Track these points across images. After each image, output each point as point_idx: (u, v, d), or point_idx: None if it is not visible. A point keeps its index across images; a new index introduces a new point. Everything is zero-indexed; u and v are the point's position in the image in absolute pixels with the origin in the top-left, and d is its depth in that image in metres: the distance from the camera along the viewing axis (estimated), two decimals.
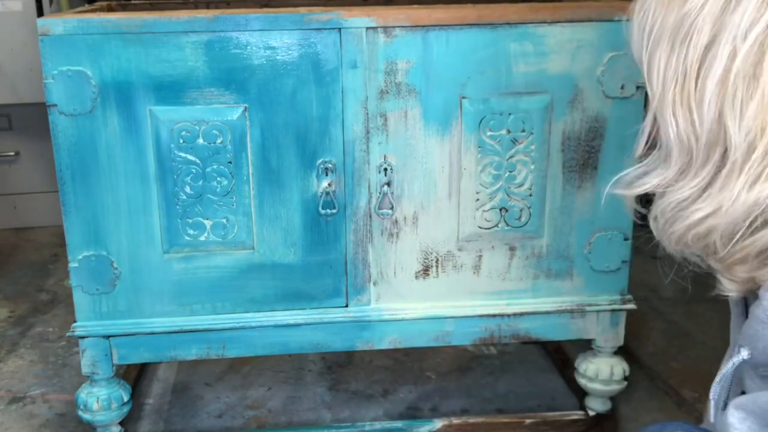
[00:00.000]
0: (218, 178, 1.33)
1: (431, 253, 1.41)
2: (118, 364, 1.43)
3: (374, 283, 1.42)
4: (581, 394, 1.63)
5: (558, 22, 1.31)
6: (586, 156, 1.38)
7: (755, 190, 0.66)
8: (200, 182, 1.32)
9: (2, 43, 2.55)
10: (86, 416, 1.44)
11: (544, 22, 1.31)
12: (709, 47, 0.66)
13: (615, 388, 1.55)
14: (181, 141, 1.30)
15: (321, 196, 1.36)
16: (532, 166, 1.37)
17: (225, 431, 1.70)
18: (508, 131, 1.35)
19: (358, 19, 1.28)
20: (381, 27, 1.28)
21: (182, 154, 1.31)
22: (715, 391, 0.77)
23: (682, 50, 0.69)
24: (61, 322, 2.17)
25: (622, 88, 1.35)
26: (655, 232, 0.76)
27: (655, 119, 0.76)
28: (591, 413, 1.59)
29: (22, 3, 2.53)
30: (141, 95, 1.28)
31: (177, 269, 1.37)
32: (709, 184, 0.70)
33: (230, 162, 1.32)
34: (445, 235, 1.40)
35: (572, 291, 1.44)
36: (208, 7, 1.80)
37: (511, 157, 1.36)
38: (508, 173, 1.38)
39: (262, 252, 1.38)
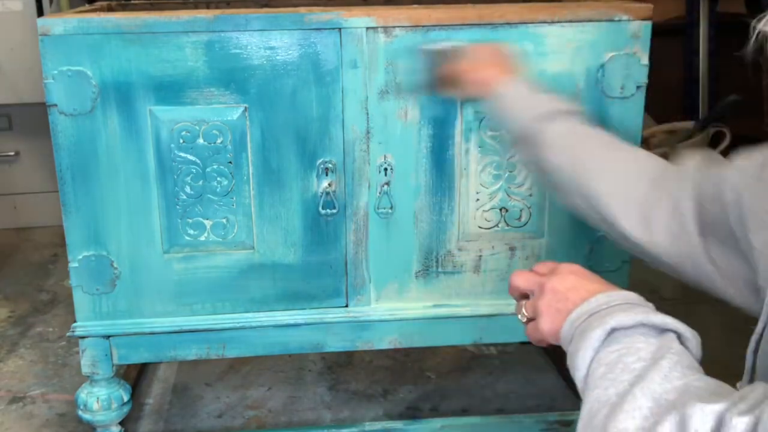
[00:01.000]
0: (218, 178, 1.33)
1: (431, 253, 1.41)
2: (118, 364, 1.43)
3: (374, 283, 1.42)
4: None
5: (558, 22, 1.31)
6: None
7: None
8: (200, 182, 1.32)
9: (2, 43, 2.55)
10: (86, 416, 1.44)
11: (544, 22, 1.31)
12: None
13: None
14: (181, 141, 1.30)
15: (321, 196, 1.36)
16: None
17: (225, 431, 1.70)
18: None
19: (358, 19, 1.28)
20: (381, 27, 1.28)
21: (182, 154, 1.31)
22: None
23: None
24: (61, 322, 2.17)
25: (622, 88, 1.35)
26: None
27: None
28: None
29: (22, 3, 2.53)
30: (141, 95, 1.28)
31: (177, 269, 1.37)
32: None
33: (230, 162, 1.32)
34: (445, 235, 1.40)
35: None
36: (208, 7, 1.80)
37: (511, 157, 1.36)
38: (508, 173, 1.38)
39: (262, 252, 1.38)
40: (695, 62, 3.19)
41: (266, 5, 1.77)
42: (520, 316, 0.86)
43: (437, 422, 1.60)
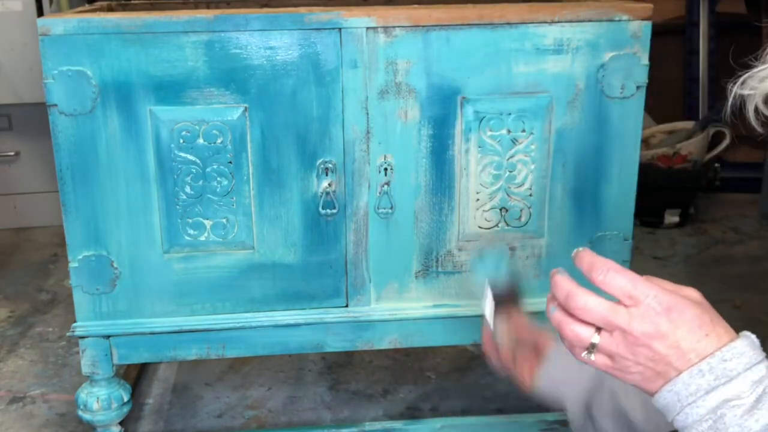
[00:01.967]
0: (218, 178, 1.33)
1: (431, 253, 1.41)
2: (118, 364, 1.43)
3: (374, 283, 1.42)
4: None
5: (558, 22, 1.31)
6: (586, 156, 1.38)
7: None
8: (200, 182, 1.32)
9: (2, 43, 2.55)
10: (86, 416, 1.44)
11: (544, 22, 1.31)
12: None
13: None
14: (181, 141, 1.30)
15: (321, 196, 1.36)
16: (532, 166, 1.37)
17: (225, 431, 1.70)
18: (508, 131, 1.35)
19: (358, 19, 1.28)
20: (381, 27, 1.28)
21: (182, 154, 1.31)
22: None
23: None
24: (61, 322, 2.17)
25: (622, 88, 1.35)
26: None
27: None
28: None
29: (22, 3, 2.53)
30: (141, 95, 1.28)
31: (177, 269, 1.37)
32: None
33: (230, 162, 1.32)
34: (445, 235, 1.40)
35: None
36: (208, 7, 1.80)
37: (511, 157, 1.36)
38: (508, 173, 1.38)
39: (262, 252, 1.38)
40: (695, 62, 3.19)
41: (266, 5, 1.77)
42: (585, 355, 0.70)
43: (437, 422, 1.60)
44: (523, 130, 1.35)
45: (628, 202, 1.41)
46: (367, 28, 1.28)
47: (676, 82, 3.27)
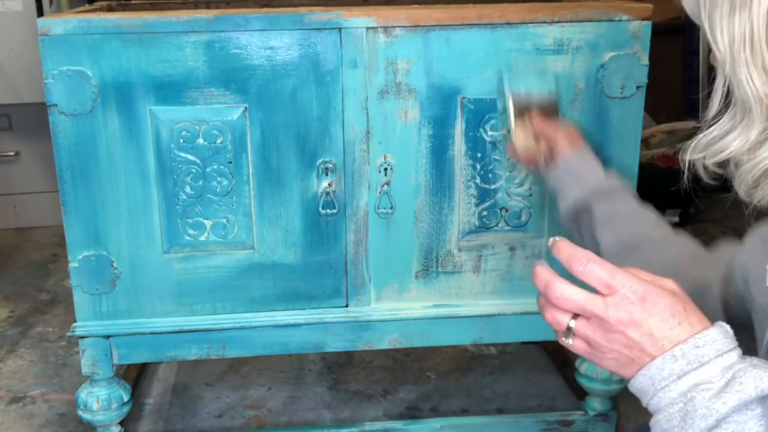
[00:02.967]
0: (218, 178, 1.33)
1: (431, 253, 1.41)
2: (118, 364, 1.43)
3: (374, 283, 1.42)
4: (581, 394, 1.63)
5: (558, 22, 1.31)
6: None
7: None
8: (200, 182, 1.32)
9: (2, 43, 2.55)
10: (86, 416, 1.44)
11: (544, 22, 1.31)
12: None
13: (615, 388, 1.55)
14: (181, 141, 1.30)
15: (321, 196, 1.36)
16: (533, 166, 1.37)
17: (225, 431, 1.70)
18: (508, 131, 1.35)
19: (358, 19, 1.28)
20: (381, 27, 1.28)
21: (182, 154, 1.31)
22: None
23: (743, 13, 0.68)
24: (61, 322, 2.17)
25: (622, 88, 1.35)
26: (740, 193, 0.75)
27: (725, 80, 0.74)
28: (591, 413, 1.59)
29: (22, 3, 2.53)
30: (141, 95, 1.28)
31: (177, 269, 1.37)
32: None
33: (230, 162, 1.32)
34: (445, 235, 1.40)
35: None
36: (208, 7, 1.80)
37: (511, 157, 1.36)
38: (508, 173, 1.38)
39: (262, 252, 1.38)
40: (695, 62, 3.19)
41: (266, 5, 1.77)
42: (564, 339, 0.74)
43: (437, 422, 1.60)
44: None
45: None
46: (367, 28, 1.28)
47: (676, 82, 3.27)
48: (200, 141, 1.31)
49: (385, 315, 1.43)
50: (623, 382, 1.55)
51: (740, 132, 0.73)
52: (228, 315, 1.40)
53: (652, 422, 0.69)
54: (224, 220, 1.35)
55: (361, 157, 1.34)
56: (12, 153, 2.79)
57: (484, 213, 1.39)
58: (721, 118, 0.76)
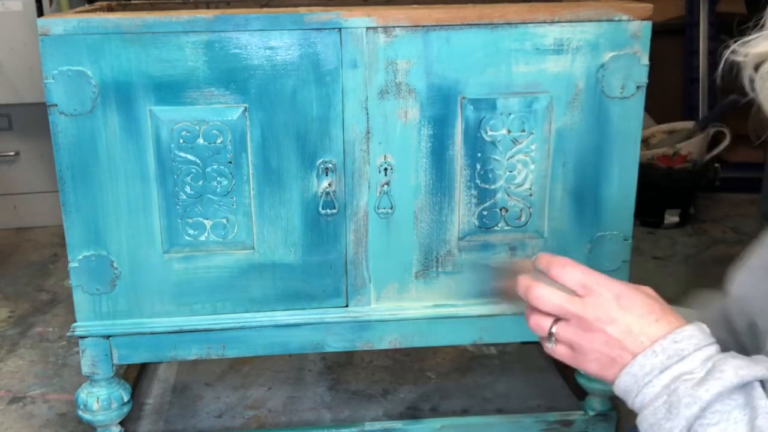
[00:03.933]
0: (218, 178, 1.33)
1: (431, 253, 1.41)
2: (118, 364, 1.43)
3: (374, 283, 1.42)
4: (581, 394, 1.63)
5: (558, 22, 1.31)
6: (586, 156, 1.38)
7: None
8: (200, 182, 1.32)
9: (2, 43, 2.55)
10: (86, 416, 1.44)
11: (544, 22, 1.31)
12: None
13: None
14: (181, 141, 1.30)
15: (321, 196, 1.36)
16: (532, 166, 1.37)
17: (225, 431, 1.70)
18: (508, 131, 1.35)
19: (358, 19, 1.28)
20: (381, 27, 1.28)
21: (182, 154, 1.31)
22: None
23: None
24: (61, 322, 2.17)
25: (622, 88, 1.35)
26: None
27: None
28: (591, 413, 1.59)
29: (22, 3, 2.53)
30: (141, 95, 1.28)
31: (177, 269, 1.37)
32: None
33: (230, 162, 1.32)
34: (445, 235, 1.40)
35: None
36: (208, 7, 1.80)
37: (511, 157, 1.36)
38: (508, 173, 1.38)
39: (262, 252, 1.38)
40: (695, 62, 3.19)
41: (266, 5, 1.77)
42: (548, 344, 0.76)
43: (437, 422, 1.60)
44: (523, 130, 1.35)
45: (628, 202, 1.41)
46: (367, 28, 1.28)
47: (676, 82, 3.27)
48: (200, 141, 1.31)
49: (385, 315, 1.43)
50: None
51: None
52: (228, 315, 1.40)
53: (639, 419, 0.71)
54: (224, 220, 1.35)
55: (361, 157, 1.34)
56: (12, 153, 2.80)
57: (484, 213, 1.39)
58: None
